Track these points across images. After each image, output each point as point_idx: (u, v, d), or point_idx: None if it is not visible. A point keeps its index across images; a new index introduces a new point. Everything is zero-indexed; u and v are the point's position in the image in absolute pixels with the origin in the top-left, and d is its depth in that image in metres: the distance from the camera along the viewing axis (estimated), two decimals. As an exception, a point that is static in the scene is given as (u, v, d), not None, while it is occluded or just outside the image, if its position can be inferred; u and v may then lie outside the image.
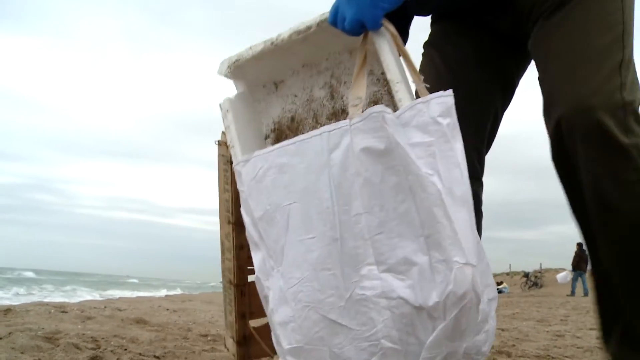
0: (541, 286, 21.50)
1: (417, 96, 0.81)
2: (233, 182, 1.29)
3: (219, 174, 1.39)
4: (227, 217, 1.38)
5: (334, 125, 0.73)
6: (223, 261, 1.47)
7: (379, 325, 0.69)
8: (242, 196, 0.82)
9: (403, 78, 0.78)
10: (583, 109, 0.84)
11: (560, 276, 14.44)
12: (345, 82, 0.98)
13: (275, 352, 1.58)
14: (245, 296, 1.44)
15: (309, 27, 0.88)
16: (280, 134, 1.04)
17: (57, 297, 11.25)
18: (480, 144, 1.12)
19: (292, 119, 1.03)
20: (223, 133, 1.37)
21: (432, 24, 1.18)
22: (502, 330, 3.54)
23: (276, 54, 0.94)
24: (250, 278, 1.42)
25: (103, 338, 2.02)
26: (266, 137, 1.05)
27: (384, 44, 0.79)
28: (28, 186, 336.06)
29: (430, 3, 1.09)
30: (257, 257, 0.81)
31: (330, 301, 0.71)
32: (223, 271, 1.49)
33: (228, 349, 1.60)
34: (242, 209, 0.83)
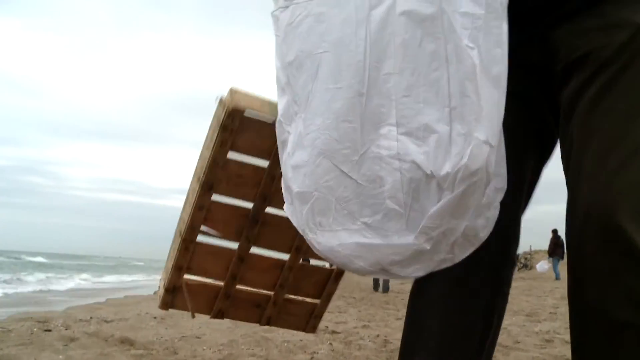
0: (531, 268, 21.74)
1: None
2: (215, 146, 1.26)
3: (208, 131, 1.34)
4: (199, 175, 1.35)
5: None
6: (183, 210, 1.46)
7: (387, 185, 0.69)
8: (277, 40, 0.82)
9: None
10: (604, 207, 0.72)
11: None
12: None
13: (194, 313, 1.55)
14: (188, 252, 1.44)
15: None
16: None
17: (53, 284, 11.22)
18: (517, 203, 0.94)
19: None
20: (230, 90, 1.29)
21: None
22: (492, 333, 3.53)
23: None
24: (200, 238, 1.43)
25: (83, 372, 1.96)
26: None
27: None
28: (19, 169, 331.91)
29: None
30: (282, 101, 0.81)
31: (345, 153, 0.71)
32: (179, 219, 1.48)
33: (158, 290, 1.64)
34: (275, 54, 0.83)
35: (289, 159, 0.80)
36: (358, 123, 0.71)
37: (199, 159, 1.37)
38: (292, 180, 0.80)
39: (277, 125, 0.84)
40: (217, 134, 1.26)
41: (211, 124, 1.31)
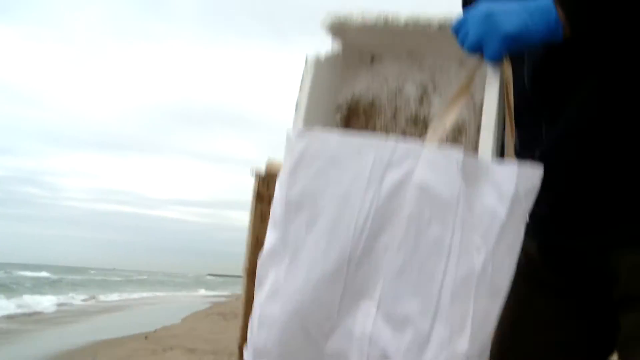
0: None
1: (502, 150, 0.74)
2: (255, 222, 1.17)
3: (249, 215, 1.25)
4: (245, 264, 1.23)
5: (404, 142, 0.68)
6: (241, 318, 1.26)
7: None
8: (284, 169, 0.79)
9: (496, 129, 0.71)
10: None
11: None
12: (441, 93, 0.92)
13: None
14: None
15: (428, 24, 0.82)
16: (353, 112, 0.99)
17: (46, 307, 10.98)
18: None
19: (372, 103, 0.97)
20: (268, 166, 1.21)
21: None
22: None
23: (386, 32, 0.88)
24: None
25: None
26: (337, 109, 0.99)
27: (494, 82, 0.72)
28: (15, 179, 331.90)
29: None
30: (271, 236, 0.78)
31: (318, 319, 0.68)
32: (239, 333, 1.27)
33: None
34: (277, 181, 0.80)
35: (260, 307, 0.76)
36: (340, 290, 0.67)
37: (245, 251, 1.25)
38: (257, 329, 0.75)
39: (259, 260, 0.80)
40: (255, 208, 1.17)
41: (250, 203, 1.22)
